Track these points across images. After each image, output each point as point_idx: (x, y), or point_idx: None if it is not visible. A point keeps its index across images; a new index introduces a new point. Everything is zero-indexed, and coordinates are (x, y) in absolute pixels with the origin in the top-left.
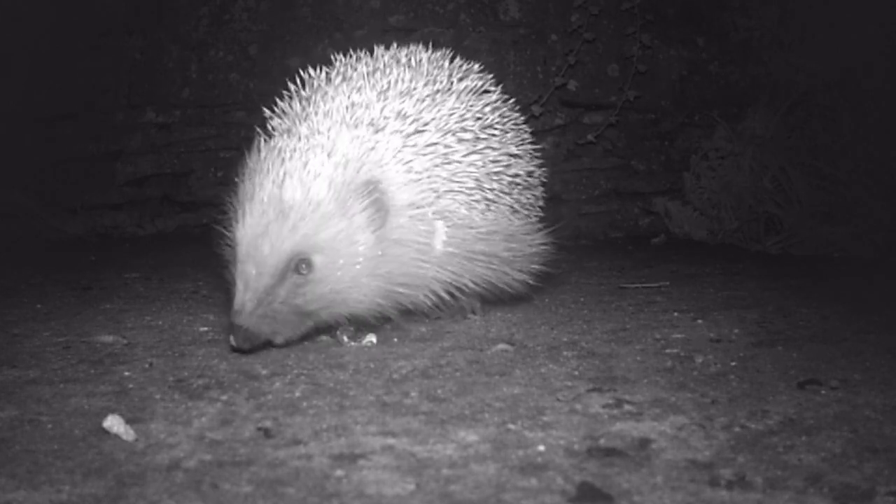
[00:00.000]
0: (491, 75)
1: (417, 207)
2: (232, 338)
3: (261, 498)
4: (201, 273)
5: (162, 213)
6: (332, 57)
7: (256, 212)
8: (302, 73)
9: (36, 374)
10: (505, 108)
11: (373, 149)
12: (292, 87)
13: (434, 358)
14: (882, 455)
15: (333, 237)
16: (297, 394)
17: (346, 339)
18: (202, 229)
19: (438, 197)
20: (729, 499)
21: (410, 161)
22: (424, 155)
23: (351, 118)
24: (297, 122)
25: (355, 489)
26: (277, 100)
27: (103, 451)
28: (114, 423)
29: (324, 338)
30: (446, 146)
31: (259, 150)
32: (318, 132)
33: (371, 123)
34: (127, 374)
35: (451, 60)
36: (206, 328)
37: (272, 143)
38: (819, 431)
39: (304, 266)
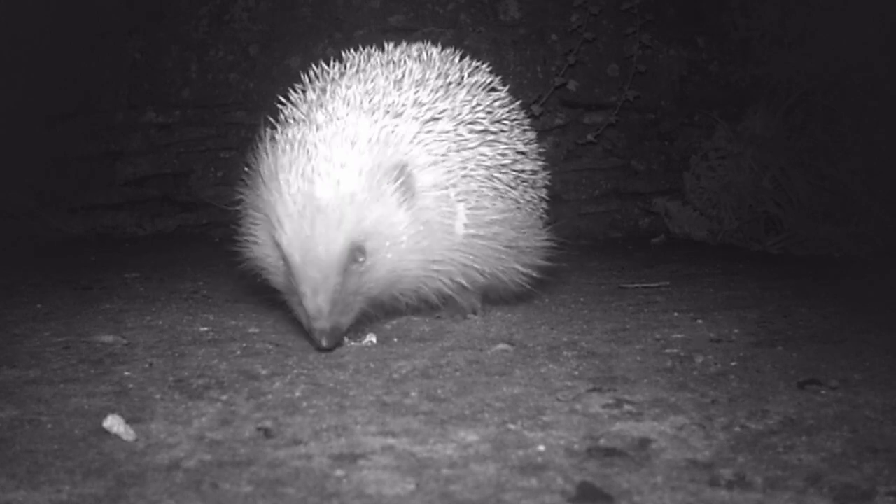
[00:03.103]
0: (499, 77)
1: (441, 189)
2: (324, 341)
3: (261, 498)
4: (201, 273)
5: (162, 213)
6: (343, 54)
7: (294, 213)
8: (302, 72)
9: (36, 374)
10: (512, 107)
11: (393, 132)
12: (306, 78)
13: (434, 358)
14: (882, 455)
15: (376, 222)
16: (297, 394)
17: (346, 339)
18: (202, 229)
19: (457, 180)
20: (729, 499)
21: (429, 144)
22: (441, 141)
23: (368, 104)
24: (314, 109)
25: (355, 489)
26: (291, 91)
27: (103, 451)
28: (114, 423)
29: None
30: (459, 135)
31: (277, 144)
32: (337, 118)
33: (388, 110)
34: (127, 374)
35: (461, 58)
36: (206, 328)
37: (291, 135)
38: (819, 431)
39: (359, 254)
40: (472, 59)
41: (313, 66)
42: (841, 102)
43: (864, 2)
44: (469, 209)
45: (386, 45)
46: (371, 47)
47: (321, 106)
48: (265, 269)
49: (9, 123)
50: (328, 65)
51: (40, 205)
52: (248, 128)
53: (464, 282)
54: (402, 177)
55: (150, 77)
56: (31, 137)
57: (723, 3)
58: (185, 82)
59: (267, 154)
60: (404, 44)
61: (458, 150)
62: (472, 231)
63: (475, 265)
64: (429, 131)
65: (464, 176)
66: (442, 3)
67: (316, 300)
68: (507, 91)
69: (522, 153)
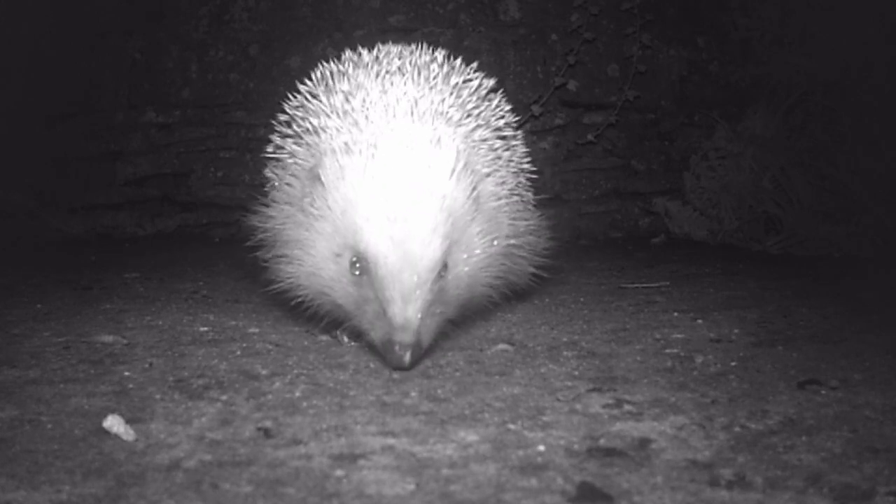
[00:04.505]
0: (498, 78)
1: (497, 199)
2: (407, 355)
3: (261, 498)
4: (201, 273)
5: (162, 213)
6: (342, 55)
7: (380, 216)
8: (303, 73)
9: (36, 374)
10: (510, 108)
11: (453, 138)
12: (319, 85)
13: (434, 358)
14: (882, 455)
15: (460, 230)
16: (297, 394)
17: (346, 339)
18: (202, 229)
19: (503, 190)
20: (729, 499)
21: (480, 152)
22: (483, 148)
23: (418, 110)
24: (356, 116)
25: (355, 489)
26: (305, 100)
27: (103, 451)
28: (114, 423)
29: (324, 338)
30: (491, 141)
31: (335, 151)
32: (395, 127)
33: (434, 116)
34: (127, 374)
35: (460, 61)
36: (206, 328)
37: (347, 142)
38: (819, 431)
39: (443, 266)
40: (471, 60)
41: (316, 70)
42: (841, 102)
43: (864, 2)
44: (511, 220)
45: (394, 47)
46: (377, 48)
47: (358, 111)
48: (322, 285)
49: (9, 123)
50: (330, 64)
51: (40, 205)
52: (248, 128)
53: (494, 286)
54: (475, 184)
55: (150, 77)
56: (31, 137)
57: (723, 3)
58: (185, 82)
59: (329, 161)
60: (411, 45)
61: (496, 158)
62: (511, 241)
63: (508, 276)
64: (472, 139)
65: (504, 185)
66: (442, 3)
67: (405, 309)
68: (506, 91)
69: (526, 152)
